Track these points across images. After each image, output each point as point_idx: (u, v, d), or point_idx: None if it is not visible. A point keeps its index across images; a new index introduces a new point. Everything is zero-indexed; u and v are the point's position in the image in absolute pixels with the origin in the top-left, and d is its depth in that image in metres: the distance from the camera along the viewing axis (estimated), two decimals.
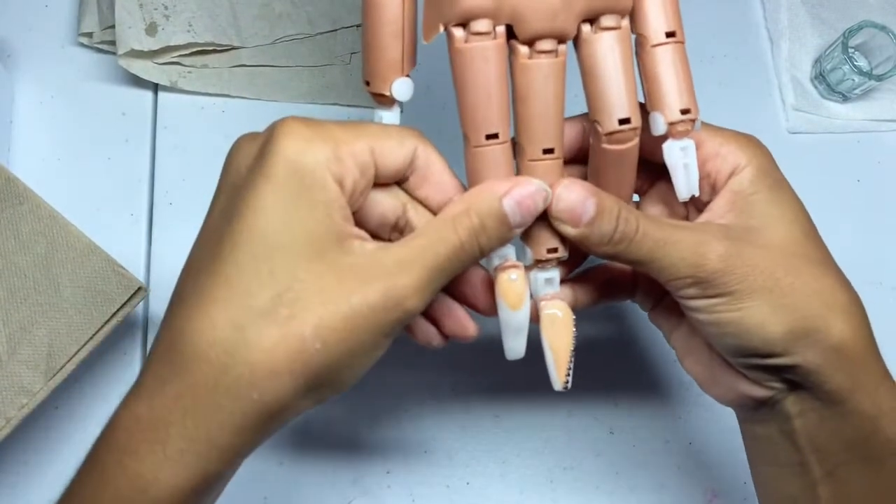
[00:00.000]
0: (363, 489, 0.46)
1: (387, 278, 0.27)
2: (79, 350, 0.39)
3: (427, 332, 0.33)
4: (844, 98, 0.56)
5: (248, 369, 0.26)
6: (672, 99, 0.30)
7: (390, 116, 0.32)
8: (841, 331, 0.30)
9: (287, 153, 0.27)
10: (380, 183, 0.30)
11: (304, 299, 0.26)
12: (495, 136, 0.29)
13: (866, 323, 0.31)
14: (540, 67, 0.28)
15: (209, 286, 0.27)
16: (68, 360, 0.39)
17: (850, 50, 0.54)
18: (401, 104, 0.32)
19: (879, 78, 0.53)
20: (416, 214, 0.31)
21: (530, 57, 0.28)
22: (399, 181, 0.31)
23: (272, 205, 0.27)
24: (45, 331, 0.39)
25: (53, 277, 0.40)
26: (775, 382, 0.32)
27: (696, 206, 0.34)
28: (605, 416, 0.48)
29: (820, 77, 0.56)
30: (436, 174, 0.30)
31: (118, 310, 0.40)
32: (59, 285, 0.40)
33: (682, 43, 0.31)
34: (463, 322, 0.33)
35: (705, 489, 0.47)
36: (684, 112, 0.30)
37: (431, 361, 0.46)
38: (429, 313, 0.33)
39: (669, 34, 0.30)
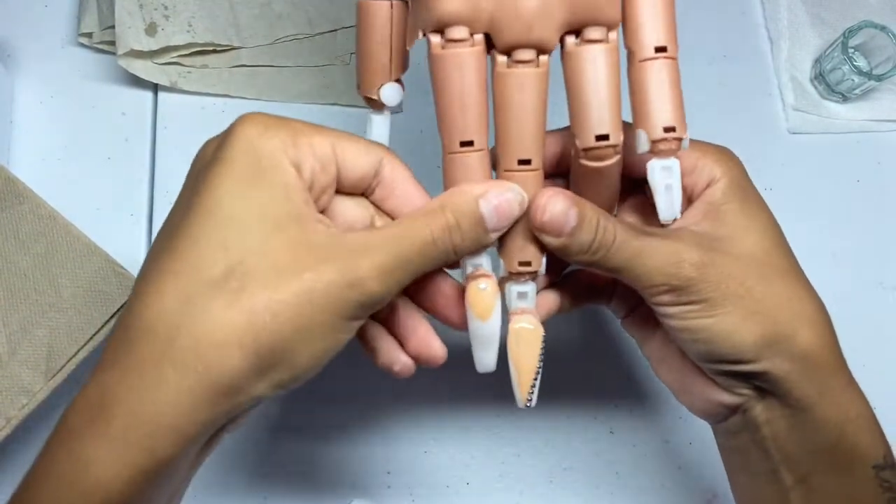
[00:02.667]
0: (363, 489, 0.46)
1: (346, 258, 0.26)
2: (79, 350, 0.39)
3: (389, 351, 0.31)
4: (844, 98, 0.56)
5: (193, 341, 0.25)
6: (656, 116, 0.29)
7: (380, 120, 0.33)
8: (808, 339, 0.31)
9: (244, 138, 0.27)
10: (346, 191, 0.30)
11: (256, 272, 0.25)
12: (470, 143, 0.29)
13: (832, 331, 0.32)
14: (517, 77, 0.28)
15: (162, 262, 0.26)
16: (68, 361, 0.39)
17: (850, 50, 0.54)
18: (391, 109, 0.33)
19: (879, 78, 0.53)
20: None
21: (508, 66, 0.28)
22: (366, 193, 0.31)
23: (228, 183, 0.26)
24: (45, 331, 0.39)
25: (53, 278, 0.40)
26: (745, 389, 0.32)
27: None
28: (604, 416, 0.48)
29: (820, 77, 0.56)
30: (402, 186, 0.30)
31: (118, 310, 0.40)
32: (58, 285, 0.40)
33: (675, 59, 0.29)
34: (428, 340, 0.31)
35: (705, 489, 0.47)
36: (668, 130, 0.29)
37: None
38: (394, 329, 0.31)
39: (659, 49, 0.29)
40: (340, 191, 0.30)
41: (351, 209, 0.30)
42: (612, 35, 0.28)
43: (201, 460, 0.29)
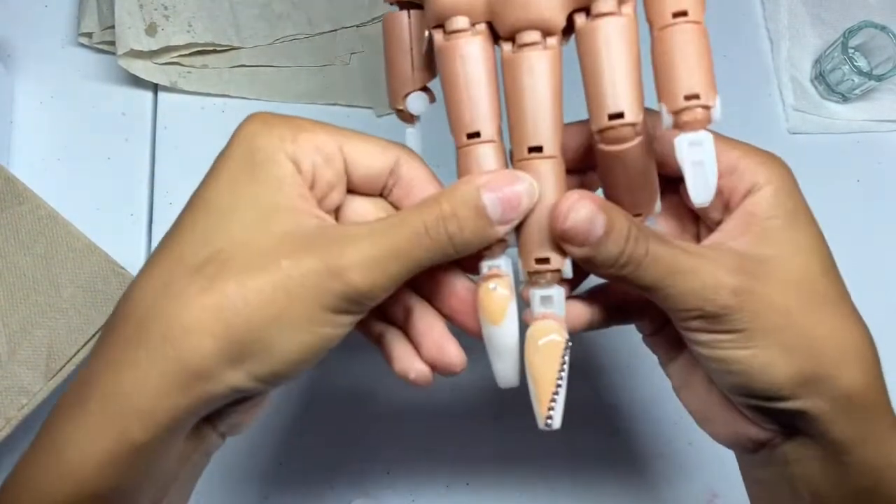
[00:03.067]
0: (363, 489, 0.46)
1: (328, 247, 0.25)
2: (78, 351, 0.39)
3: (404, 357, 0.29)
4: (844, 98, 0.56)
5: (165, 324, 0.24)
6: (675, 84, 0.25)
7: (413, 133, 0.32)
8: (853, 378, 0.28)
9: (244, 135, 0.27)
10: (361, 191, 0.29)
11: (235, 259, 0.25)
12: (476, 134, 0.27)
13: (878, 368, 0.29)
14: (522, 61, 0.27)
15: (154, 254, 0.27)
16: (68, 361, 0.39)
17: (850, 50, 0.54)
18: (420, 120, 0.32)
19: (879, 78, 0.53)
20: None
21: (513, 51, 0.27)
22: (384, 193, 0.30)
23: (223, 177, 0.27)
24: (44, 331, 0.39)
25: (53, 277, 0.40)
26: (776, 425, 0.30)
27: (708, 224, 0.31)
28: (605, 416, 0.48)
29: (820, 77, 0.56)
30: (420, 186, 0.29)
31: None
32: (58, 285, 0.40)
33: (699, 23, 0.26)
34: (442, 344, 0.29)
35: (705, 489, 0.47)
36: (690, 98, 0.25)
37: None
38: (409, 332, 0.30)
39: (678, 14, 0.25)
40: (355, 191, 0.29)
41: (366, 209, 0.30)
42: (626, 8, 0.26)
43: (192, 461, 0.29)
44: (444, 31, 0.27)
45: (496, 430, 0.47)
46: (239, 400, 0.27)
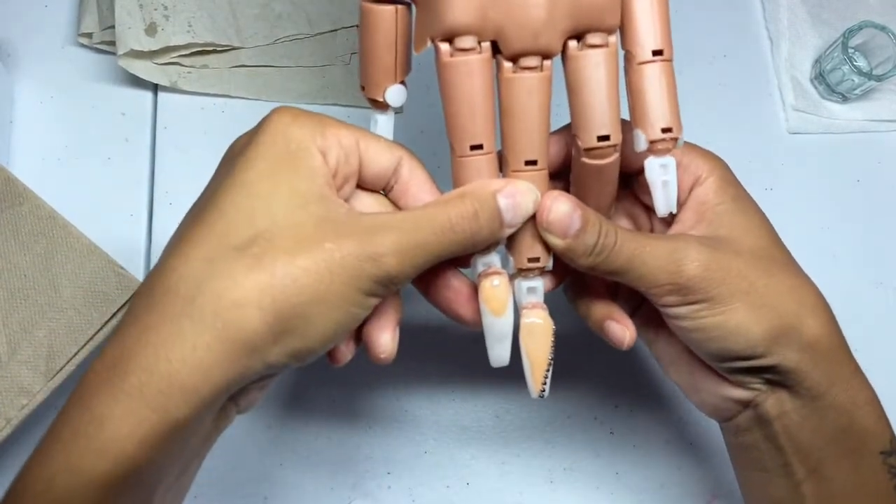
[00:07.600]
0: (363, 490, 0.46)
1: (364, 234, 0.27)
2: (79, 351, 0.39)
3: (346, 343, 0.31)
4: (844, 98, 0.56)
5: (213, 299, 0.25)
6: (655, 117, 0.30)
7: (384, 120, 0.34)
8: (815, 328, 0.32)
9: (276, 126, 0.29)
10: (366, 186, 0.31)
11: (279, 240, 0.26)
12: (479, 147, 0.30)
13: (835, 320, 0.33)
14: (523, 82, 0.29)
15: (189, 230, 0.27)
16: (68, 361, 0.39)
17: (850, 50, 0.54)
18: (395, 109, 0.34)
19: (879, 78, 0.53)
20: None
21: (514, 72, 0.29)
22: (385, 190, 0.32)
23: (259, 164, 0.28)
24: (44, 331, 0.39)
25: (53, 278, 0.40)
26: (756, 383, 0.33)
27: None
28: (605, 416, 0.48)
29: (820, 77, 0.56)
30: (419, 186, 0.31)
31: (118, 310, 0.40)
32: (58, 286, 0.40)
33: (670, 61, 0.31)
34: (378, 334, 0.31)
35: (705, 489, 0.47)
36: (666, 130, 0.30)
37: (432, 362, 0.46)
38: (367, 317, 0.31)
39: (657, 52, 0.30)
40: (361, 186, 0.31)
41: (369, 203, 0.31)
42: (612, 39, 0.29)
43: (212, 438, 0.29)
44: (452, 47, 0.28)
45: (496, 430, 0.47)
46: (263, 376, 0.28)
